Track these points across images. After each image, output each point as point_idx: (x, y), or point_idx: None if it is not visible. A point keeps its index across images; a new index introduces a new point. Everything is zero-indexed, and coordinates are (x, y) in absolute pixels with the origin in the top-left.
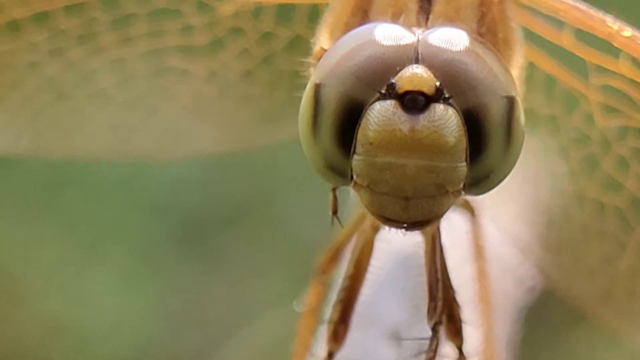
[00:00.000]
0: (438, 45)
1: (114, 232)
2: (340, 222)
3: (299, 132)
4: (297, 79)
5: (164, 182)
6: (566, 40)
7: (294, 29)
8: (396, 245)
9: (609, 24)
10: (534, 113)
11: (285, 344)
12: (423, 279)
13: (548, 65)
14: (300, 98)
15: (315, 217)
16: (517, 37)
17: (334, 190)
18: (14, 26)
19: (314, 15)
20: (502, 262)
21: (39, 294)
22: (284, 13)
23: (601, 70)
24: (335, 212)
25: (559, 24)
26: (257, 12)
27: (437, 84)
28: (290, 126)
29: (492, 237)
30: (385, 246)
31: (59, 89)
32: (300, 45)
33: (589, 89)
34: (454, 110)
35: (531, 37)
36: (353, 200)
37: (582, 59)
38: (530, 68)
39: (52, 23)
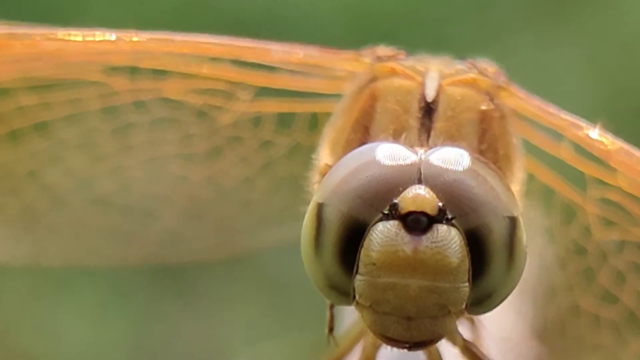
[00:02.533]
0: (440, 165)
1: (84, 265)
2: (336, 341)
3: (300, 247)
4: (296, 186)
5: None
6: (565, 153)
7: (294, 137)
8: None
9: (605, 143)
10: (533, 224)
11: None
12: None
13: (547, 177)
14: (300, 208)
15: (287, 253)
16: (518, 152)
17: (331, 307)
18: (14, 136)
19: (313, 123)
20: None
21: (9, 327)
22: (284, 121)
23: (599, 182)
24: (331, 330)
25: (559, 135)
26: (257, 120)
27: (440, 204)
28: (288, 232)
29: (491, 339)
30: None
31: (57, 196)
32: (299, 152)
33: (587, 201)
34: (457, 231)
35: (531, 148)
36: (353, 314)
37: (581, 171)
38: (530, 179)
39: (52, 132)
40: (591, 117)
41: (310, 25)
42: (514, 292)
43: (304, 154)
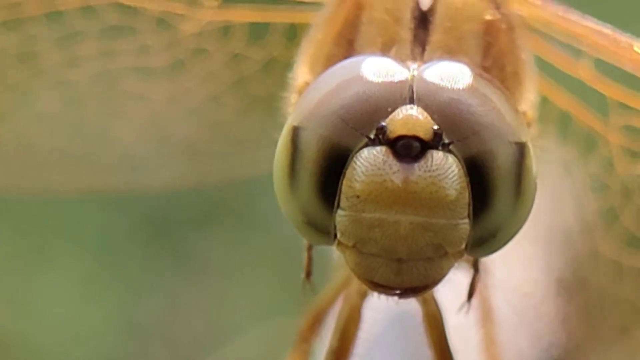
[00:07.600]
0: (436, 82)
1: (66, 231)
2: (314, 288)
3: (273, 178)
4: (271, 108)
5: None
6: (584, 72)
7: (268, 50)
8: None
9: (637, 50)
10: (546, 155)
11: None
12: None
13: (563, 100)
14: (275, 134)
15: None
16: (529, 71)
17: (309, 249)
18: None
19: (291, 34)
20: (514, 317)
21: None
22: (256, 32)
23: (623, 107)
24: (309, 274)
25: (577, 52)
26: (225, 30)
27: (435, 127)
28: (263, 160)
29: (503, 292)
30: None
31: None
32: (275, 68)
33: (609, 129)
34: (455, 159)
35: (545, 67)
36: (336, 258)
37: (602, 94)
38: (543, 103)
39: None
40: None
41: None
42: (529, 238)
43: (280, 70)
